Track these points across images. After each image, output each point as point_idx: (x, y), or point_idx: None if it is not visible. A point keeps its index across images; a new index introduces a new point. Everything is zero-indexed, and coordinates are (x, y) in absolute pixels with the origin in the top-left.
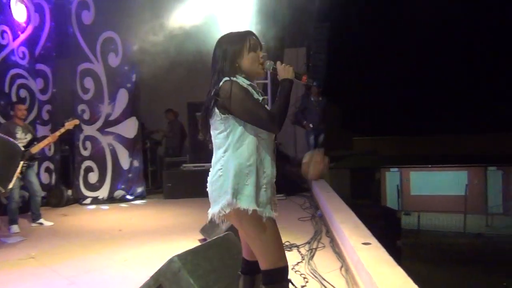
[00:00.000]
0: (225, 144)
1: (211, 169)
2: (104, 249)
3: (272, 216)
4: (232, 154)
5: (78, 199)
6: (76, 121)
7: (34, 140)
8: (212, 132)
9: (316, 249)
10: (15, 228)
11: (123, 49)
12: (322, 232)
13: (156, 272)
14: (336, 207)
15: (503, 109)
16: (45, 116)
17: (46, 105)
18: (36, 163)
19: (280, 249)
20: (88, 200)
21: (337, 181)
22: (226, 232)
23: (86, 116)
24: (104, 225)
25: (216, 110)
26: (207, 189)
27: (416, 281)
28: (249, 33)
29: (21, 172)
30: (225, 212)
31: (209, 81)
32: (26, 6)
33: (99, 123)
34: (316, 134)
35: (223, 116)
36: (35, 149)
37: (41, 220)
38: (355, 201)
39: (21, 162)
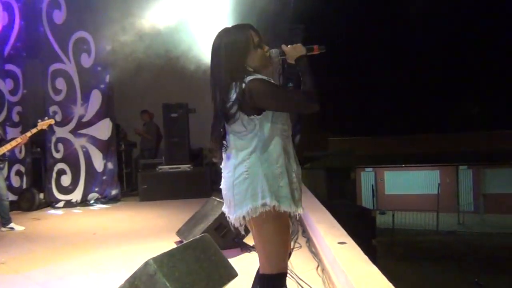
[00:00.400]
0: (250, 146)
1: (226, 172)
2: (78, 253)
3: (302, 212)
4: (260, 156)
5: (51, 203)
6: (51, 121)
7: (1, 141)
8: (230, 136)
9: (293, 249)
10: None
11: (96, 49)
12: (298, 232)
13: (131, 276)
14: (312, 207)
15: (473, 108)
16: (15, 117)
17: (16, 106)
18: (6, 166)
19: (286, 255)
20: (61, 204)
21: (313, 181)
22: (202, 234)
23: (58, 117)
24: (78, 228)
25: (240, 114)
26: (225, 192)
27: (390, 279)
28: (249, 28)
29: None
30: (251, 216)
31: (180, 83)
32: None
33: (71, 125)
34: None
35: (247, 118)
36: (1, 151)
37: (12, 225)
38: (330, 201)
39: None
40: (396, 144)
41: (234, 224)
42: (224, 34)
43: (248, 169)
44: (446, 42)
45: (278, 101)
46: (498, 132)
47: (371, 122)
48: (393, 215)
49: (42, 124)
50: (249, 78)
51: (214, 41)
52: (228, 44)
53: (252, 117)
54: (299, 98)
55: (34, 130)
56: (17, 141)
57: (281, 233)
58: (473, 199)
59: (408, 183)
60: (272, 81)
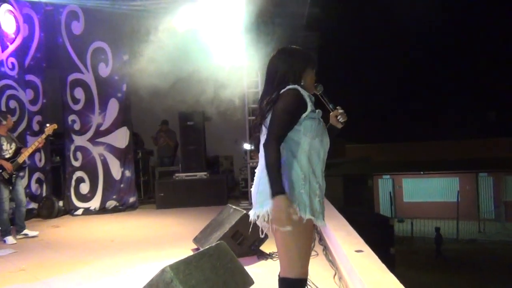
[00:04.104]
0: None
1: (257, 169)
2: (96, 260)
3: (324, 226)
4: (286, 160)
5: (70, 210)
6: (54, 126)
7: (20, 149)
8: (262, 136)
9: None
10: (10, 239)
11: (113, 59)
12: (315, 240)
13: (148, 283)
14: (329, 214)
15: (492, 115)
16: (35, 127)
17: (36, 116)
18: (26, 174)
19: (308, 261)
20: (79, 211)
21: (329, 188)
22: (218, 242)
23: (76, 126)
24: (96, 236)
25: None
26: (253, 188)
27: None
28: (311, 53)
29: (11, 183)
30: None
31: (197, 90)
32: (15, 17)
33: (89, 133)
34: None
35: None
36: (21, 159)
37: (26, 231)
38: (348, 208)
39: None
40: (414, 150)
41: (254, 220)
42: (287, 50)
43: None
44: (464, 49)
45: (273, 116)
46: None
47: (389, 128)
48: (412, 223)
49: (48, 130)
50: (289, 86)
51: (279, 48)
52: (290, 59)
53: None
54: (274, 130)
55: (43, 136)
56: (34, 145)
57: (301, 238)
58: (494, 207)
59: (427, 191)
60: (308, 100)
